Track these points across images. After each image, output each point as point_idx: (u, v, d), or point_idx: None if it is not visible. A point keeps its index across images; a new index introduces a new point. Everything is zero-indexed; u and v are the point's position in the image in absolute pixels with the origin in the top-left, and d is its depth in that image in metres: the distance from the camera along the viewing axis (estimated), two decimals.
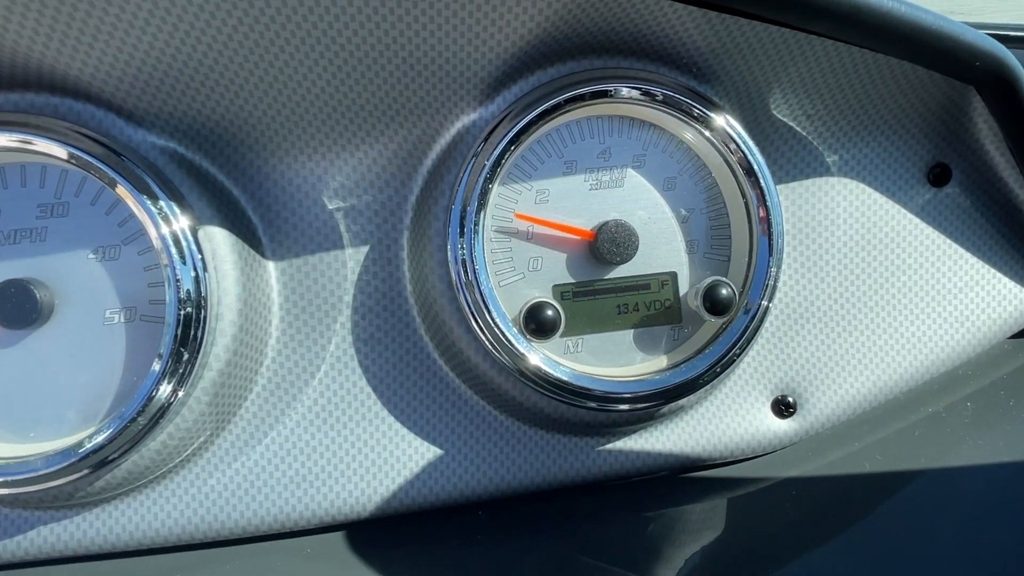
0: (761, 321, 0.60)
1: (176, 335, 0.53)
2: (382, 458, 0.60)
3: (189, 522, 0.57)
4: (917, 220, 0.68)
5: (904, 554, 0.56)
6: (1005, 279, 0.70)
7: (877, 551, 0.56)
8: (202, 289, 0.54)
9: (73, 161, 0.52)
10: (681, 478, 0.65)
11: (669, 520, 0.62)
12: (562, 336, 0.59)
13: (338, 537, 0.61)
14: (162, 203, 0.53)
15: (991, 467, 0.63)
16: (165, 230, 0.53)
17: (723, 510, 0.63)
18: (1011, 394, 0.67)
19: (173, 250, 0.53)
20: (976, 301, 0.69)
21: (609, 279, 0.60)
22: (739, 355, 0.59)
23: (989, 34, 0.62)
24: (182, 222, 0.54)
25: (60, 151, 0.52)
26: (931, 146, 0.67)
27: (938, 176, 0.69)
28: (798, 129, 0.64)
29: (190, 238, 0.54)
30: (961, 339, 0.69)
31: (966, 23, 0.61)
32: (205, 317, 0.54)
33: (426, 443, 0.61)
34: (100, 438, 0.52)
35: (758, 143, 0.63)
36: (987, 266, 0.70)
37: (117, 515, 0.57)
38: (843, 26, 0.54)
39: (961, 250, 0.69)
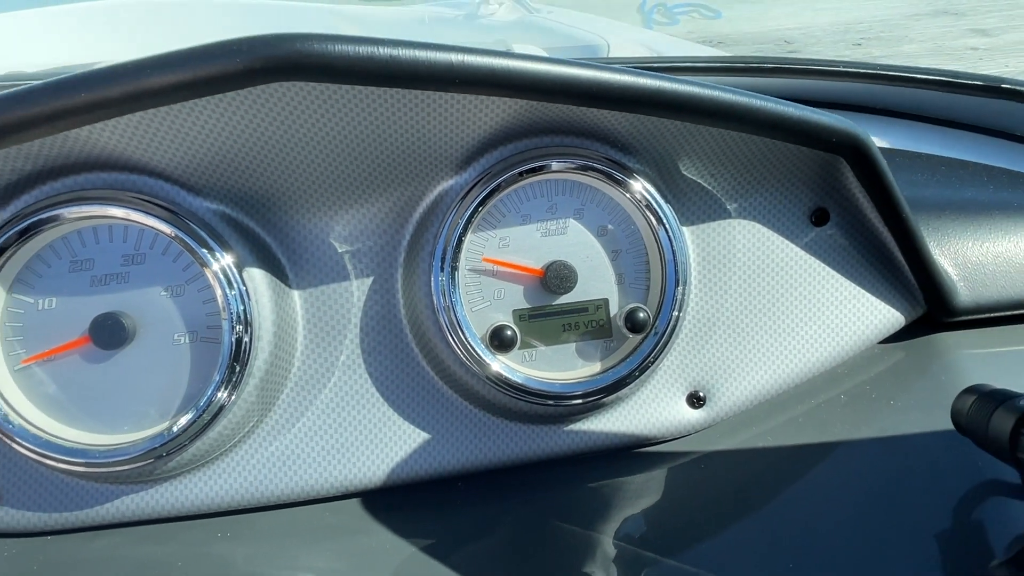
0: (670, 336, 0.72)
1: (230, 351, 0.64)
2: (383, 442, 0.71)
3: (237, 492, 0.68)
4: (802, 252, 0.79)
5: (789, 511, 0.65)
6: (872, 297, 0.81)
7: (770, 508, 0.65)
8: (247, 315, 0.64)
9: (147, 224, 0.64)
10: (617, 456, 0.74)
11: (608, 488, 0.70)
12: (520, 349, 0.72)
13: (349, 504, 0.70)
14: (216, 252, 0.65)
15: (856, 442, 0.71)
16: (218, 271, 0.64)
17: (651, 479, 0.71)
18: (874, 388, 0.78)
19: (225, 286, 0.64)
20: (850, 315, 0.80)
21: (556, 304, 0.72)
22: (653, 361, 0.71)
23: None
24: (230, 265, 0.65)
25: (137, 216, 0.64)
26: (812, 194, 0.78)
27: (819, 217, 0.78)
28: (704, 184, 0.75)
29: (237, 276, 0.65)
30: (838, 345, 0.79)
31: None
32: (251, 337, 0.65)
33: (417, 430, 0.72)
34: (174, 429, 0.63)
35: (672, 194, 0.74)
36: (858, 287, 0.80)
37: (183, 488, 0.68)
38: (722, 121, 0.66)
39: (837, 275, 0.80)
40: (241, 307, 0.65)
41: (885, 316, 0.82)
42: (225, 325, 0.64)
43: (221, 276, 0.64)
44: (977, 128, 1.14)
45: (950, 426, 0.66)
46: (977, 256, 0.83)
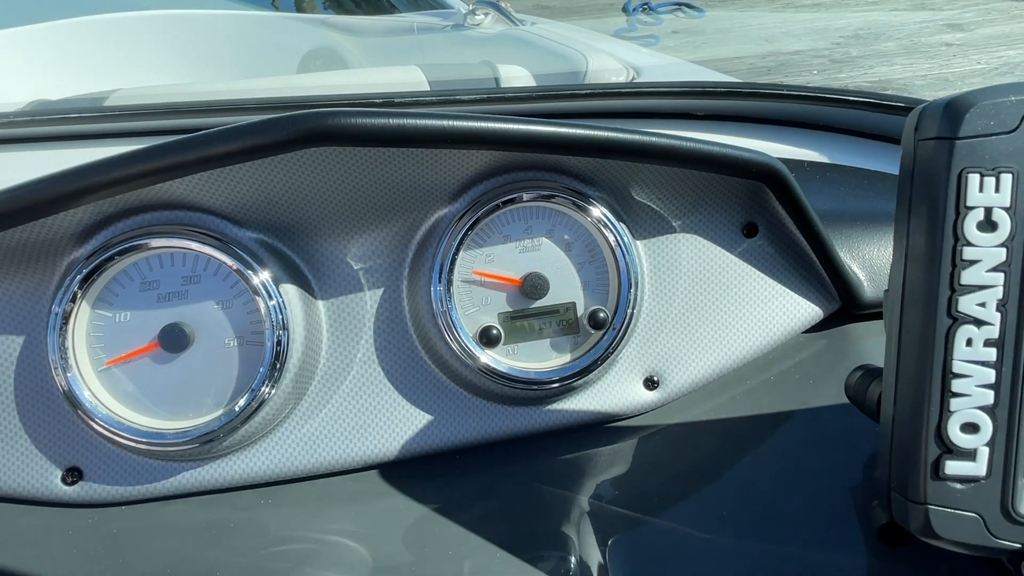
0: (626, 331, 0.79)
1: (272, 352, 0.71)
2: (394, 423, 0.77)
3: (278, 466, 0.74)
4: (736, 259, 0.85)
5: (731, 472, 0.72)
6: (796, 295, 0.88)
7: (716, 471, 0.72)
8: (284, 321, 0.71)
9: (201, 251, 0.71)
10: (586, 431, 0.81)
11: (581, 458, 0.77)
12: (504, 344, 0.78)
13: (368, 475, 0.76)
14: (256, 271, 0.72)
15: (783, 414, 0.79)
16: (258, 286, 0.71)
17: (617, 450, 0.78)
18: (798, 371, 0.85)
19: (266, 298, 0.71)
20: (777, 310, 0.86)
21: (533, 307, 0.79)
22: (612, 352, 0.79)
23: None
24: (268, 280, 0.71)
25: (194, 245, 0.71)
26: (743, 211, 0.85)
27: (749, 230, 0.85)
28: (653, 206, 0.82)
29: (275, 290, 0.72)
30: (768, 334, 0.86)
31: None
32: (287, 339, 0.72)
33: (421, 412, 0.78)
34: (227, 416, 0.70)
35: (626, 215, 0.80)
36: (784, 287, 0.87)
37: (234, 464, 0.74)
38: (663, 160, 0.75)
39: (766, 278, 0.86)
40: (279, 315, 0.72)
41: (807, 311, 0.89)
42: (267, 331, 0.72)
43: (262, 290, 0.72)
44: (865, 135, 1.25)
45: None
46: (879, 259, 0.89)
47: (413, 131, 0.64)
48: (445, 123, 0.64)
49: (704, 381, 0.84)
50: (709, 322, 0.85)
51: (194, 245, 0.72)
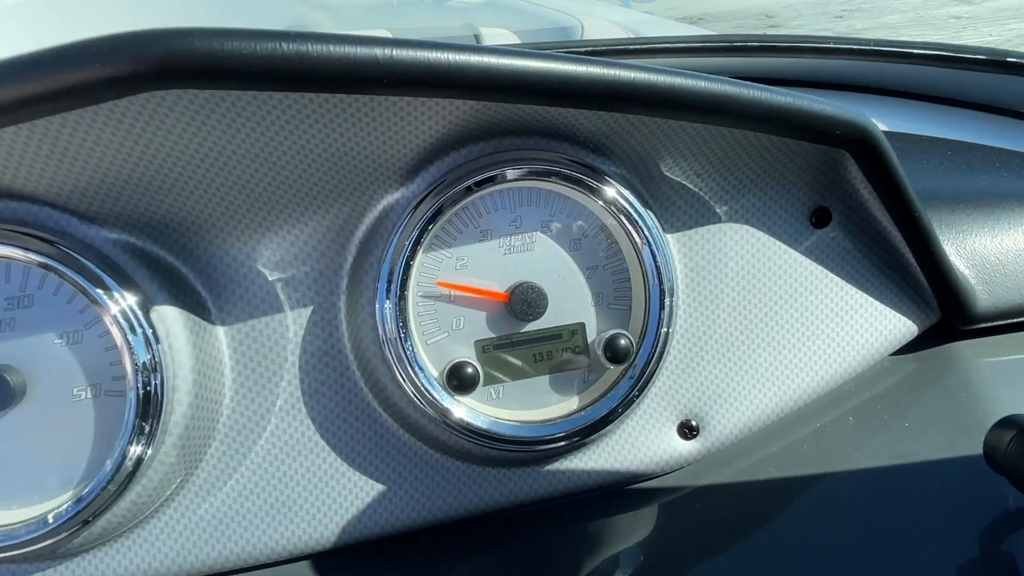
0: (656, 365, 0.66)
1: (137, 408, 0.57)
2: (331, 498, 0.66)
3: (162, 564, 0.62)
4: (801, 257, 0.74)
5: (793, 549, 0.61)
6: (881, 305, 0.76)
7: (773, 547, 0.62)
8: (156, 363, 0.58)
9: (29, 260, 0.56)
10: (601, 497, 0.70)
11: (592, 533, 0.66)
12: (485, 387, 0.65)
13: (296, 568, 0.65)
14: (114, 291, 0.58)
15: (868, 471, 0.68)
16: (118, 314, 0.57)
17: (640, 520, 0.67)
18: (886, 408, 0.74)
19: (128, 332, 0.57)
20: (856, 326, 0.75)
21: (524, 332, 0.66)
22: (638, 396, 0.65)
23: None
24: (132, 305, 0.58)
25: (16, 252, 0.56)
26: (811, 192, 0.73)
27: (820, 218, 0.74)
28: (689, 186, 0.69)
29: (142, 319, 0.58)
30: (845, 360, 0.75)
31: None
32: (163, 388, 0.58)
33: (370, 481, 0.66)
34: (79, 501, 0.57)
35: (653, 199, 0.68)
36: (865, 295, 0.75)
37: (96, 562, 0.61)
38: (709, 116, 0.60)
39: (841, 282, 0.75)
40: (148, 355, 0.58)
41: (895, 326, 0.77)
42: (130, 376, 0.58)
43: (121, 319, 0.58)
44: (982, 106, 1.10)
45: (974, 449, 0.62)
46: (996, 254, 0.79)
47: (323, 64, 0.47)
48: (377, 52, 0.46)
49: (758, 425, 0.73)
50: (764, 343, 0.74)
51: (15, 252, 0.57)
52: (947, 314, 0.78)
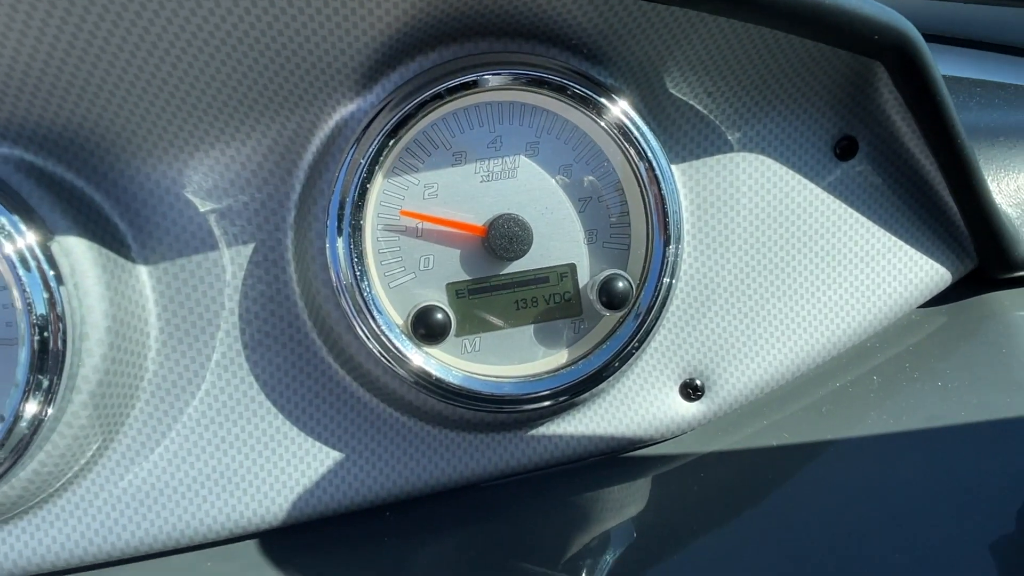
0: (659, 312, 0.61)
1: (32, 360, 0.51)
2: (278, 467, 0.61)
3: (77, 545, 0.57)
4: (823, 193, 0.69)
5: (809, 525, 0.58)
6: (912, 249, 0.71)
7: (784, 523, 0.59)
8: (59, 309, 0.52)
9: None
10: (595, 465, 0.67)
11: (583, 506, 0.64)
12: (457, 336, 0.59)
13: (239, 548, 0.60)
14: (3, 219, 0.51)
15: (895, 438, 0.65)
16: (10, 248, 0.51)
17: (638, 491, 0.65)
18: (916, 366, 0.70)
19: (20, 269, 0.51)
20: (883, 273, 0.71)
21: (506, 274, 0.61)
22: (638, 347, 0.60)
23: None
24: (30, 238, 0.52)
25: None
26: (837, 119, 0.68)
27: (845, 149, 0.70)
28: (698, 107, 0.64)
29: (39, 254, 0.52)
30: (869, 311, 0.71)
31: None
32: (66, 337, 0.52)
33: (324, 448, 0.61)
34: None
35: (657, 120, 0.63)
36: (893, 237, 0.72)
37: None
38: (731, 5, 0.53)
39: (868, 222, 0.71)
40: (47, 296, 0.52)
41: (927, 273, 0.74)
42: (23, 324, 0.52)
43: (14, 255, 0.52)
44: (1009, 48, 1.08)
45: (1019, 411, 0.60)
46: None
47: None
48: None
49: (770, 385, 0.70)
50: (779, 292, 0.70)
51: None
52: (985, 260, 0.75)
